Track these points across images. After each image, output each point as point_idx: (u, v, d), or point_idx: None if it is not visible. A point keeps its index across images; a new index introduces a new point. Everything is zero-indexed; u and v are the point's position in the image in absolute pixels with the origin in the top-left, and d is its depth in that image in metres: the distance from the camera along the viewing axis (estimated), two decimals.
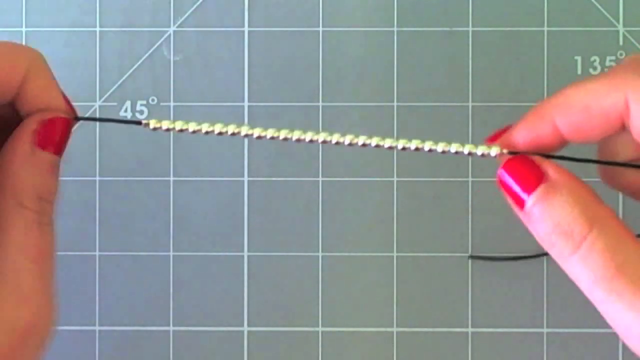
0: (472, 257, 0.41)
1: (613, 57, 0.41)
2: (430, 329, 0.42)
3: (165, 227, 0.42)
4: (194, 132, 0.28)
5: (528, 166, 0.27)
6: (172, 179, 0.42)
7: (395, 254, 0.42)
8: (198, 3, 0.42)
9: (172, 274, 0.42)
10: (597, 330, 0.41)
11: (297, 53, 0.42)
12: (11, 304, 0.26)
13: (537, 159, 0.27)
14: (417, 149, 0.28)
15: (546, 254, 0.41)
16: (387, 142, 0.28)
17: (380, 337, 0.42)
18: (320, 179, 0.42)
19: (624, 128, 0.27)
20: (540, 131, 0.27)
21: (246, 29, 0.42)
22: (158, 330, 0.42)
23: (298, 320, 0.42)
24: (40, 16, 0.42)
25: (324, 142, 0.28)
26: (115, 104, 0.42)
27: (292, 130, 0.28)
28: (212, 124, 0.28)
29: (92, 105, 0.42)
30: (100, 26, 0.42)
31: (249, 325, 0.42)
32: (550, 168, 0.27)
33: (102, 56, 0.42)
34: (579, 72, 0.42)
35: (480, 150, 0.28)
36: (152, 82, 0.42)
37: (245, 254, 0.42)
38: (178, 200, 0.42)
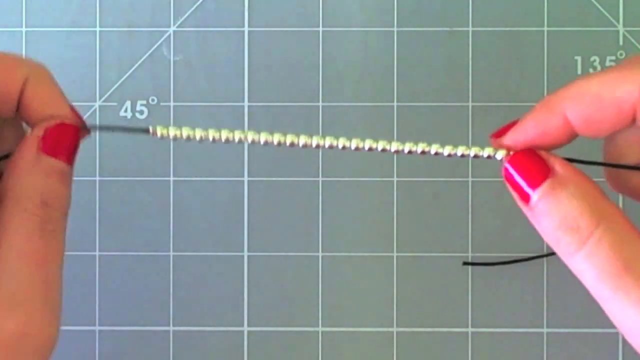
0: (465, 263, 0.41)
1: (613, 57, 0.41)
2: (430, 329, 0.42)
3: (165, 227, 0.42)
4: (200, 139, 0.28)
5: (534, 161, 0.27)
6: (172, 179, 0.42)
7: (395, 254, 0.42)
8: (198, 3, 0.42)
9: (172, 274, 0.42)
10: (597, 330, 0.41)
11: (297, 53, 0.42)
12: (0, 311, 0.25)
13: (544, 153, 0.27)
14: (423, 152, 0.28)
15: (540, 257, 0.41)
16: (394, 146, 0.28)
17: (380, 337, 0.42)
18: (320, 179, 0.42)
19: (634, 122, 0.26)
20: (549, 123, 0.27)
21: (246, 29, 0.42)
22: (158, 330, 0.42)
23: (298, 320, 0.42)
24: (40, 16, 0.42)
25: (331, 147, 0.28)
26: (115, 104, 0.42)
27: (297, 135, 0.28)
28: (218, 130, 0.28)
29: (92, 105, 0.42)
30: (100, 26, 0.42)
31: (249, 325, 0.42)
32: (556, 163, 0.26)
33: (102, 56, 0.42)
34: (579, 72, 0.42)
35: (486, 152, 0.28)
36: (152, 82, 0.42)
37: (245, 254, 0.42)
38: (178, 200, 0.42)
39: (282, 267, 0.42)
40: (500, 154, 0.27)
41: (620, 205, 0.41)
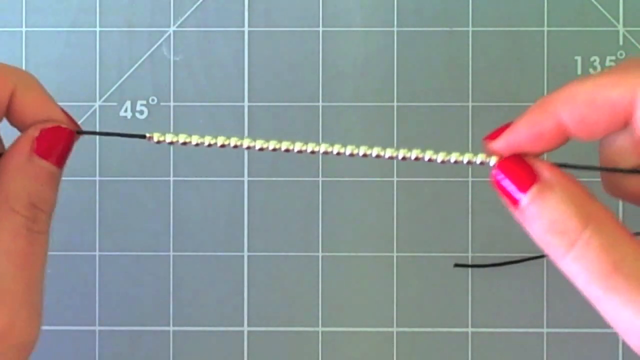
0: (457, 265, 0.41)
1: (613, 57, 0.41)
2: (430, 329, 0.42)
3: (165, 227, 0.42)
4: (197, 145, 0.29)
5: (522, 166, 0.27)
6: (172, 179, 0.42)
7: (395, 254, 0.42)
8: (198, 3, 0.42)
9: (172, 274, 0.42)
10: (597, 330, 0.41)
11: (297, 53, 0.42)
12: None
13: (531, 159, 0.27)
14: (417, 158, 0.28)
15: (533, 258, 0.41)
16: (388, 152, 0.28)
17: (380, 337, 0.42)
18: (320, 179, 0.42)
19: (627, 125, 0.26)
20: (543, 125, 0.27)
21: (246, 29, 0.42)
22: (158, 330, 0.42)
23: (298, 320, 0.42)
24: (40, 16, 0.42)
25: (325, 153, 0.28)
26: (115, 104, 0.42)
27: (293, 142, 0.29)
28: (215, 137, 0.29)
29: (92, 106, 0.42)
30: (100, 26, 0.42)
31: (249, 325, 0.42)
32: (543, 167, 0.27)
33: (102, 56, 0.42)
34: (579, 72, 0.42)
35: (479, 159, 0.28)
36: (152, 82, 0.42)
37: (245, 254, 0.42)
38: (178, 200, 0.42)
39: (282, 267, 0.42)
40: (494, 160, 0.28)
41: (621, 209, 0.41)
